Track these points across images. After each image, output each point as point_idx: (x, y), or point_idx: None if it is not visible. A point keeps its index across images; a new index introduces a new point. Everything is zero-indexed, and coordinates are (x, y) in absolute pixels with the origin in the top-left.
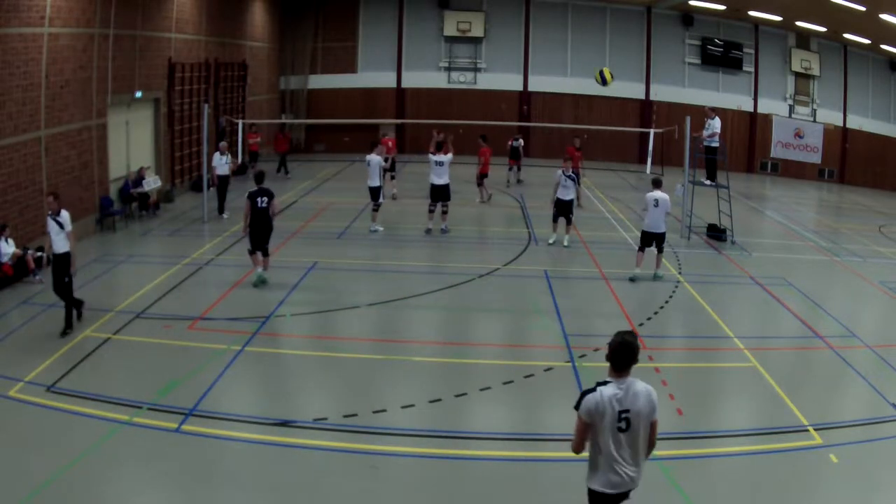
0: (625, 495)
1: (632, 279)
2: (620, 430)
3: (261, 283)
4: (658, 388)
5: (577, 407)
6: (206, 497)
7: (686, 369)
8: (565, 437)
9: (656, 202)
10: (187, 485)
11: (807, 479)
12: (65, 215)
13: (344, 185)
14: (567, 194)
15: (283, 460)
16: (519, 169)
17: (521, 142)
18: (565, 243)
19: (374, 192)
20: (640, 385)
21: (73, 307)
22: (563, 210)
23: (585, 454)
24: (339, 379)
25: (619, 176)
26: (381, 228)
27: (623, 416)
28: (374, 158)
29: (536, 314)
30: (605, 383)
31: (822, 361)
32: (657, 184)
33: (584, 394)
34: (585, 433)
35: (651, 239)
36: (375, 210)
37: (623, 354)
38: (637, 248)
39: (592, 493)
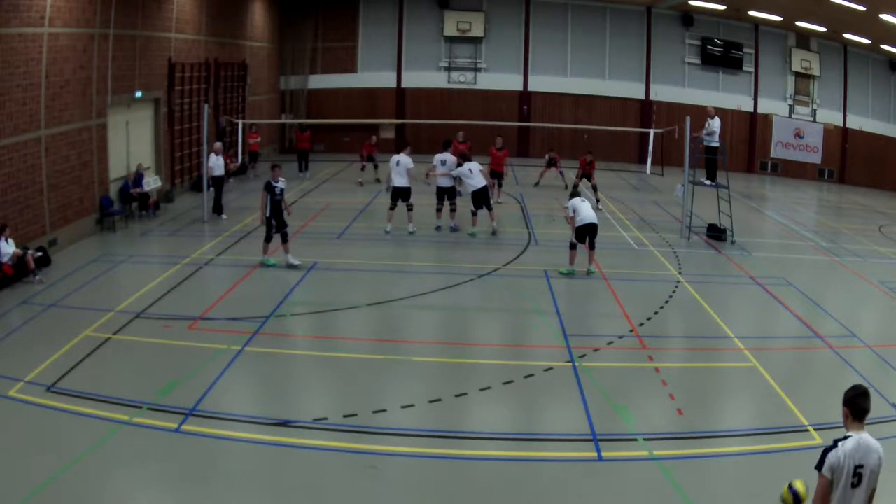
0: None
1: (571, 273)
2: (853, 485)
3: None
4: (658, 388)
5: (819, 467)
6: (206, 497)
7: (686, 369)
8: (565, 438)
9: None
10: (187, 485)
11: (807, 479)
12: None
13: (344, 186)
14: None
15: (283, 460)
16: (562, 174)
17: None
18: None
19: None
20: (873, 441)
21: None
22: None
23: None
24: (339, 379)
25: (619, 176)
26: (416, 229)
27: (858, 470)
28: (405, 159)
29: (536, 314)
30: (844, 438)
31: (822, 361)
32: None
33: (825, 452)
34: (829, 492)
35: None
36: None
37: (864, 401)
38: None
39: None
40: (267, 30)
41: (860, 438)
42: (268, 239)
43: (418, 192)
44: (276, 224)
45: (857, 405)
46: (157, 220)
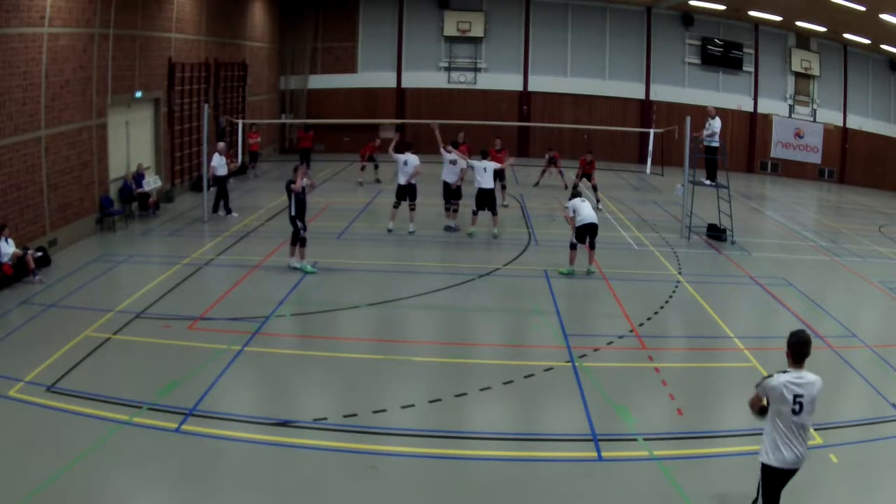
0: (794, 472)
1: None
2: (794, 412)
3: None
4: (658, 388)
5: (757, 385)
6: (206, 497)
7: (686, 369)
8: (565, 438)
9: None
10: (187, 485)
11: (807, 479)
12: None
13: (344, 186)
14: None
15: (283, 460)
16: (562, 174)
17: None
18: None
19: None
20: (812, 375)
21: None
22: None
23: None
24: (339, 379)
25: (619, 176)
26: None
27: (798, 399)
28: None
29: (536, 314)
30: (783, 372)
31: (821, 361)
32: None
33: (764, 378)
34: (760, 400)
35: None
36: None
37: (803, 348)
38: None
39: (767, 469)
40: (267, 30)
41: (799, 373)
42: (301, 242)
43: (421, 192)
44: (301, 224)
45: (798, 351)
46: (157, 220)
